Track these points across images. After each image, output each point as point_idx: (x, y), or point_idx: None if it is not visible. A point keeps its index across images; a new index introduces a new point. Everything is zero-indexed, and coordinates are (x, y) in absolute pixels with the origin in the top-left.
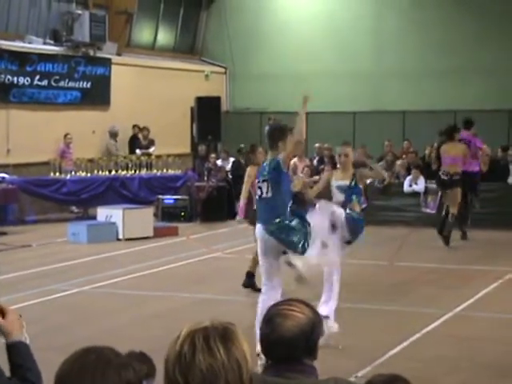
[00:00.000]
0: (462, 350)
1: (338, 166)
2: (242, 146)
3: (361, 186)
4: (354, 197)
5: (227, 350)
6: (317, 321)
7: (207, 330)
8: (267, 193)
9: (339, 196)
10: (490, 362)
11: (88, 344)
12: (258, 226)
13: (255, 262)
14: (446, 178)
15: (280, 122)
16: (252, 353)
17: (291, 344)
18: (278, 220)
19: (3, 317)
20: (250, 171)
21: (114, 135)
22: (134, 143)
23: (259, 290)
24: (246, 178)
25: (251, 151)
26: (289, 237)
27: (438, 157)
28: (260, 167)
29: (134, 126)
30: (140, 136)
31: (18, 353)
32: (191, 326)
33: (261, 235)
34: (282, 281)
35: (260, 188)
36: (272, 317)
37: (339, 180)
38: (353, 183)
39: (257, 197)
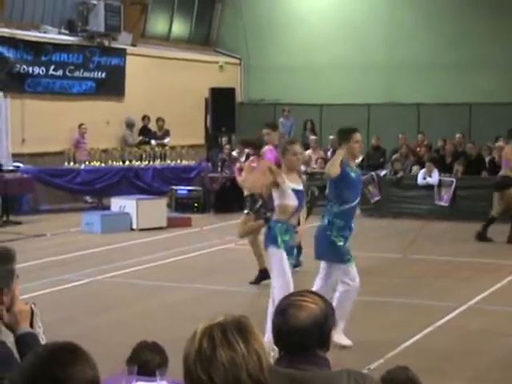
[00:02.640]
0: (475, 343)
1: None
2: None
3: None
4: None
5: (246, 341)
6: (330, 312)
7: (223, 325)
8: None
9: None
10: (503, 355)
11: (100, 334)
12: None
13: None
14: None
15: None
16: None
17: (304, 334)
18: None
19: (8, 309)
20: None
21: (130, 125)
22: (143, 134)
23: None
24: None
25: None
26: None
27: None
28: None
29: (144, 117)
30: (150, 126)
31: (28, 344)
32: (206, 322)
33: None
34: None
35: None
36: (285, 308)
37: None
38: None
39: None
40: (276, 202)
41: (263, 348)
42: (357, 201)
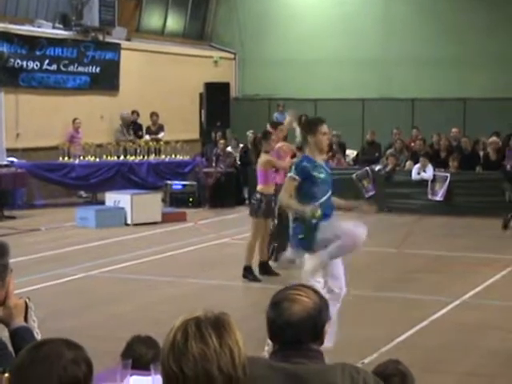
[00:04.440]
0: (469, 337)
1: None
2: (249, 133)
3: None
4: None
5: (219, 337)
6: (323, 306)
7: (199, 319)
8: None
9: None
10: (497, 349)
11: (94, 328)
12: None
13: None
14: None
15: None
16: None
17: (298, 328)
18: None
19: (2, 303)
20: (265, 159)
21: (126, 122)
22: (133, 129)
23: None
24: (263, 166)
25: (264, 137)
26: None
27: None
28: (272, 154)
29: (133, 112)
30: (141, 121)
31: (23, 338)
32: (184, 316)
33: None
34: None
35: None
36: (279, 301)
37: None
38: None
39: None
40: None
41: (238, 345)
42: (326, 196)
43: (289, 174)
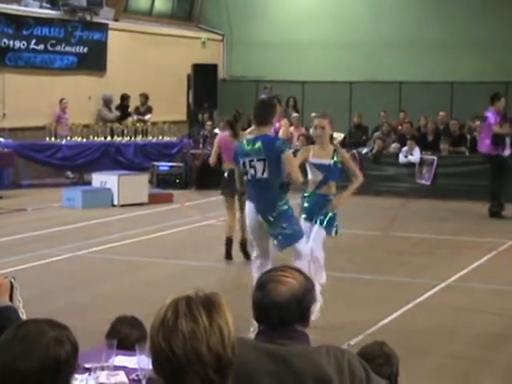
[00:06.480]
0: (454, 320)
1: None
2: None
3: (340, 166)
4: (330, 181)
5: (210, 316)
6: (309, 287)
7: (190, 298)
8: (263, 173)
9: (318, 175)
10: (481, 331)
11: (80, 309)
12: (251, 206)
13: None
14: None
15: (271, 93)
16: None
17: (283, 309)
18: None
19: None
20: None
21: (108, 103)
22: (121, 111)
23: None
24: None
25: (235, 120)
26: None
27: None
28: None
29: (124, 96)
30: (130, 103)
31: (8, 317)
32: (174, 295)
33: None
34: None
35: (254, 167)
36: (265, 282)
37: (318, 157)
38: (332, 162)
39: (249, 177)
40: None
41: (228, 325)
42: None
43: (289, 151)
